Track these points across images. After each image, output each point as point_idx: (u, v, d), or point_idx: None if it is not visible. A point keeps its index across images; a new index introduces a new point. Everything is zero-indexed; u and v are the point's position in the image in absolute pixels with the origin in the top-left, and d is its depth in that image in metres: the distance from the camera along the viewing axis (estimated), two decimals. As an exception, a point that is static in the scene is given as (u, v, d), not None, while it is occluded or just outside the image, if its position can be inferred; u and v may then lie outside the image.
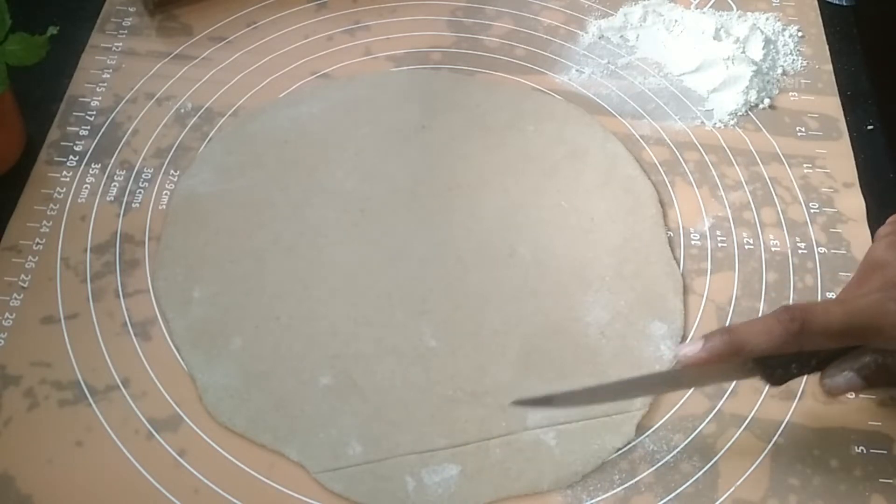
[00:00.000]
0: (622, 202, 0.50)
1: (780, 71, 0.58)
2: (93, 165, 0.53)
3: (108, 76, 0.57)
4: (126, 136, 0.54)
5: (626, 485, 0.41)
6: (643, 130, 0.55)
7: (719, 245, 0.50)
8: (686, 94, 0.57)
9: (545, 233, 0.49)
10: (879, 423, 0.43)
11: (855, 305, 0.35)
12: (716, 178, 0.53)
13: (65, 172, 0.52)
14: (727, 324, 0.46)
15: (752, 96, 0.56)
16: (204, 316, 0.46)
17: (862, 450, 0.42)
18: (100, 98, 0.56)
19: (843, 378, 0.38)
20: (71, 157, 0.53)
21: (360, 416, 0.43)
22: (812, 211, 0.51)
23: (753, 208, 0.51)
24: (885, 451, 0.42)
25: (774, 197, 0.52)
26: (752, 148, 0.54)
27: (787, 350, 0.35)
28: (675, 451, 0.42)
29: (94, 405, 0.43)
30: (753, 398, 0.44)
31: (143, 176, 0.52)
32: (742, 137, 0.54)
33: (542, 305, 0.46)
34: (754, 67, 0.56)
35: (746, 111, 0.56)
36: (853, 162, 0.53)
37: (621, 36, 0.60)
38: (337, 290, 0.47)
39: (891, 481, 0.41)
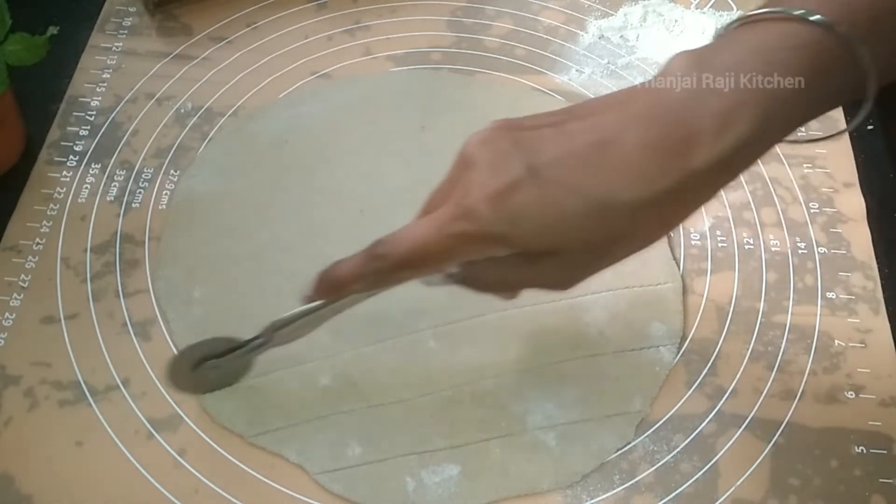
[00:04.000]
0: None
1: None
2: (93, 165, 0.53)
3: (108, 76, 0.57)
4: (126, 136, 0.54)
5: (626, 485, 0.41)
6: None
7: (719, 245, 0.50)
8: (686, 94, 0.57)
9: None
10: (879, 423, 0.43)
11: (417, 234, 0.34)
12: (716, 178, 0.53)
13: (65, 172, 0.52)
14: (727, 323, 0.46)
15: (752, 96, 0.55)
16: (204, 316, 0.46)
17: (862, 450, 0.42)
18: (100, 98, 0.56)
19: (435, 279, 0.37)
20: (71, 157, 0.53)
21: (359, 416, 0.43)
22: (812, 211, 0.51)
23: (753, 208, 0.51)
24: (885, 451, 0.42)
25: (774, 197, 0.52)
26: (752, 148, 0.54)
27: (383, 284, 0.36)
28: (675, 451, 0.42)
29: (94, 405, 0.43)
30: (753, 398, 0.44)
31: (143, 176, 0.52)
32: (742, 137, 0.54)
33: (541, 305, 0.46)
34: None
35: (746, 111, 0.56)
36: (853, 162, 0.53)
37: (621, 36, 0.60)
38: (337, 290, 0.47)
39: (891, 481, 0.41)
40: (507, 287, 0.37)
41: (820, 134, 0.42)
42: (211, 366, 0.41)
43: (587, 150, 0.31)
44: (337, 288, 0.37)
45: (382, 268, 0.35)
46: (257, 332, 0.40)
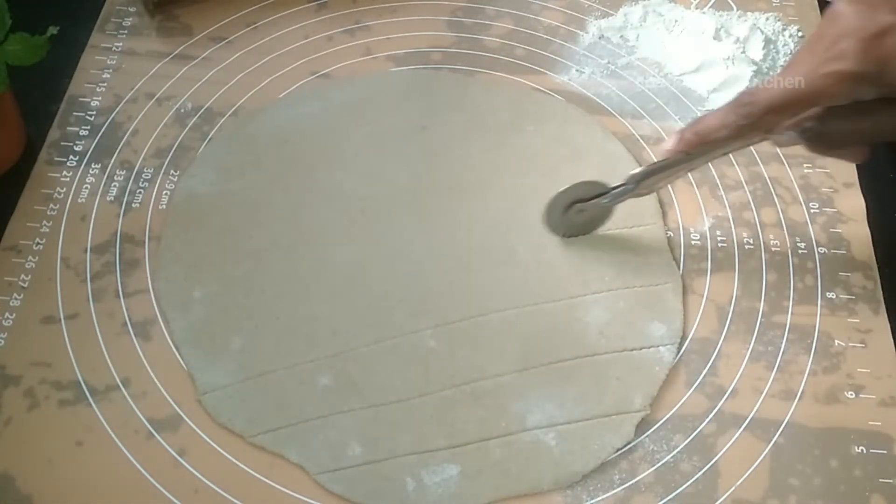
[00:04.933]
0: (622, 202, 0.50)
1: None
2: (93, 165, 0.53)
3: (108, 76, 0.57)
4: (126, 136, 0.54)
5: (626, 485, 0.41)
6: (643, 130, 0.55)
7: (719, 245, 0.50)
8: (686, 94, 0.57)
9: (545, 233, 0.49)
10: (879, 423, 0.43)
11: (790, 78, 0.37)
12: (716, 178, 0.53)
13: (65, 172, 0.52)
14: (727, 323, 0.46)
15: (753, 96, 0.55)
16: (204, 316, 0.46)
17: (862, 450, 0.42)
18: (100, 98, 0.56)
19: (787, 136, 0.40)
20: (71, 157, 0.53)
21: (359, 416, 0.43)
22: (812, 211, 0.51)
23: (753, 208, 0.51)
24: (885, 451, 0.42)
25: (774, 197, 0.52)
26: (752, 148, 0.54)
27: (747, 132, 0.39)
28: (675, 451, 0.42)
29: (94, 405, 0.43)
30: (753, 398, 0.44)
31: (143, 176, 0.52)
32: (742, 137, 0.54)
33: (541, 305, 0.46)
34: (754, 67, 0.56)
35: (746, 111, 0.56)
36: (853, 162, 0.53)
37: (621, 36, 0.60)
38: (337, 290, 0.47)
39: (891, 481, 0.41)
40: (863, 138, 0.39)
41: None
42: (578, 209, 0.46)
43: None
44: (703, 137, 0.40)
45: (751, 112, 0.38)
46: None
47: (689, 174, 0.52)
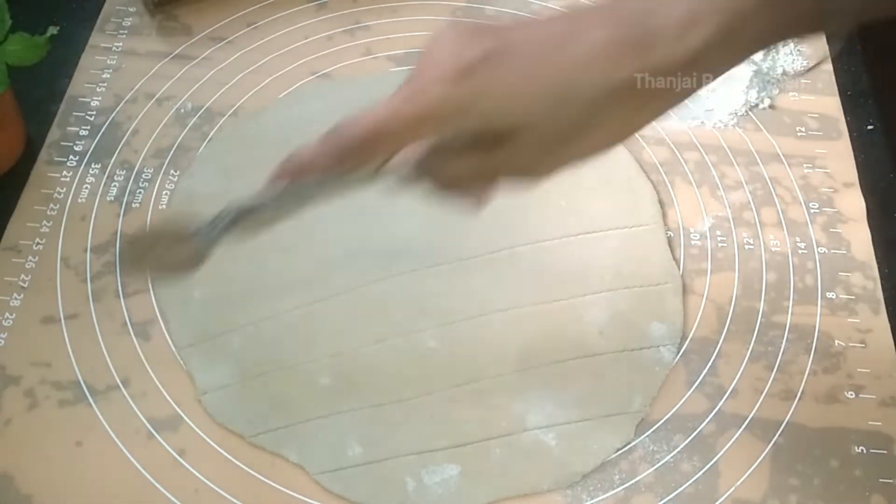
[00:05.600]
0: (622, 202, 0.50)
1: (780, 71, 0.58)
2: (93, 165, 0.53)
3: (108, 76, 0.57)
4: (126, 136, 0.54)
5: (626, 485, 0.41)
6: (643, 131, 0.54)
7: (719, 245, 0.50)
8: (686, 94, 0.57)
9: (545, 233, 0.49)
10: (879, 423, 0.43)
11: (378, 111, 0.34)
12: (716, 178, 0.53)
13: (65, 172, 0.52)
14: (727, 323, 0.46)
15: (752, 96, 0.56)
16: (204, 316, 0.46)
17: (862, 450, 0.42)
18: (100, 98, 0.56)
19: (394, 178, 0.36)
20: (71, 157, 0.53)
21: (359, 416, 0.43)
22: (812, 211, 0.51)
23: (753, 208, 0.51)
24: (885, 451, 0.42)
25: (774, 197, 0.52)
26: (752, 148, 0.54)
27: (345, 163, 0.35)
28: (675, 451, 0.42)
29: (94, 405, 0.43)
30: (753, 398, 0.44)
31: (143, 176, 0.52)
32: (742, 137, 0.54)
33: (541, 305, 0.46)
34: (754, 67, 0.56)
35: (746, 111, 0.56)
36: (853, 162, 0.53)
37: (621, 36, 0.60)
38: (337, 290, 0.47)
39: (891, 481, 0.41)
40: (474, 179, 0.36)
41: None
42: (159, 254, 0.39)
43: (550, 37, 0.31)
44: (296, 169, 0.36)
45: (339, 144, 0.34)
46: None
47: (690, 174, 0.53)
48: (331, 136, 0.35)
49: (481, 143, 0.33)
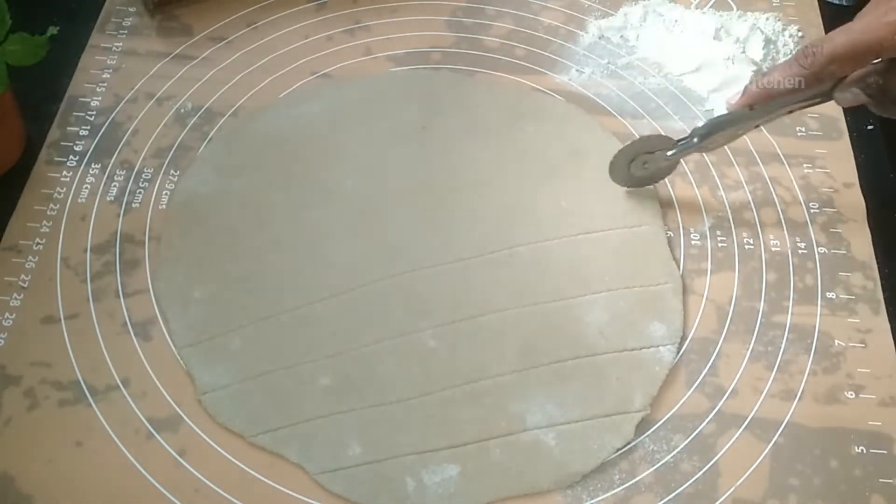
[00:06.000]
0: (622, 202, 0.50)
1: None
2: (93, 165, 0.53)
3: (108, 76, 0.57)
4: (126, 136, 0.54)
5: (626, 485, 0.41)
6: (643, 130, 0.55)
7: (719, 245, 0.50)
8: (686, 94, 0.57)
9: (545, 233, 0.49)
10: (879, 423, 0.43)
11: (854, 28, 0.38)
12: (716, 178, 0.53)
13: (65, 172, 0.52)
14: (727, 323, 0.46)
15: (752, 96, 0.55)
16: (204, 316, 0.46)
17: (862, 450, 0.42)
18: (100, 98, 0.56)
19: (851, 93, 0.41)
20: (71, 157, 0.53)
21: (359, 416, 0.43)
22: (812, 211, 0.51)
23: (753, 208, 0.51)
24: (885, 451, 0.42)
25: (774, 197, 0.52)
26: (752, 148, 0.54)
27: (811, 84, 0.40)
28: (675, 451, 0.42)
29: (94, 405, 0.43)
30: (753, 398, 0.44)
31: (143, 176, 0.52)
32: (742, 137, 0.54)
33: (541, 305, 0.46)
34: (754, 67, 0.56)
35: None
36: (853, 162, 0.53)
37: (621, 36, 0.60)
38: (337, 289, 0.47)
39: (891, 481, 0.41)
40: None
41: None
42: (642, 161, 0.48)
43: None
44: (767, 89, 0.41)
45: (814, 62, 0.39)
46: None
47: (690, 174, 0.53)
48: (806, 57, 0.39)
49: None
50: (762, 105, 0.43)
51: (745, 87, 0.43)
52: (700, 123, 0.55)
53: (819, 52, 0.39)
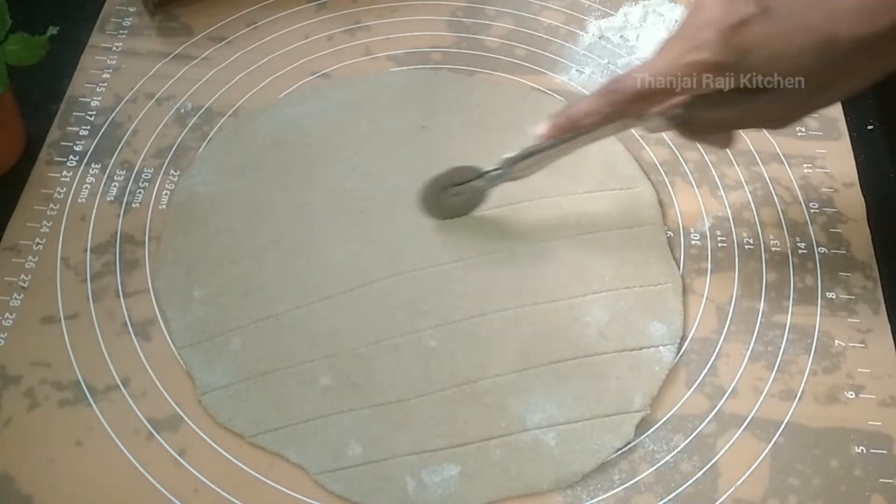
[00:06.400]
0: (622, 202, 0.50)
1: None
2: (93, 165, 0.53)
3: (108, 76, 0.57)
4: (126, 136, 0.54)
5: (626, 485, 0.41)
6: (643, 130, 0.55)
7: (719, 245, 0.50)
8: (686, 94, 0.57)
9: (545, 233, 0.49)
10: (879, 423, 0.43)
11: (656, 67, 0.38)
12: (716, 178, 0.53)
13: (65, 172, 0.52)
14: (727, 323, 0.46)
15: (752, 96, 0.55)
16: (204, 316, 0.46)
17: (862, 450, 0.42)
18: (100, 98, 0.56)
19: (657, 123, 0.42)
20: (71, 157, 0.53)
21: (359, 416, 0.43)
22: (812, 211, 0.51)
23: (753, 208, 0.51)
24: (885, 451, 0.42)
25: (774, 197, 0.52)
26: (752, 148, 0.54)
27: (615, 118, 0.41)
28: (675, 451, 0.42)
29: (94, 405, 0.43)
30: (753, 398, 0.44)
31: (143, 176, 0.52)
32: (742, 137, 0.54)
33: (541, 305, 0.46)
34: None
35: (746, 111, 0.56)
36: (853, 162, 0.53)
37: (621, 36, 0.60)
38: (337, 290, 0.47)
39: (891, 481, 0.41)
40: (726, 125, 0.40)
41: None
42: (453, 192, 0.48)
43: None
44: (573, 122, 0.41)
45: (617, 100, 0.39)
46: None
47: (690, 174, 0.53)
48: (607, 92, 0.40)
49: (742, 94, 0.37)
50: (569, 136, 0.43)
51: (553, 120, 0.42)
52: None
53: (621, 89, 0.39)
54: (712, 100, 0.39)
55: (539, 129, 0.43)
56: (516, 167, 0.45)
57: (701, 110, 0.40)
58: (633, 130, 0.54)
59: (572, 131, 0.42)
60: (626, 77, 0.39)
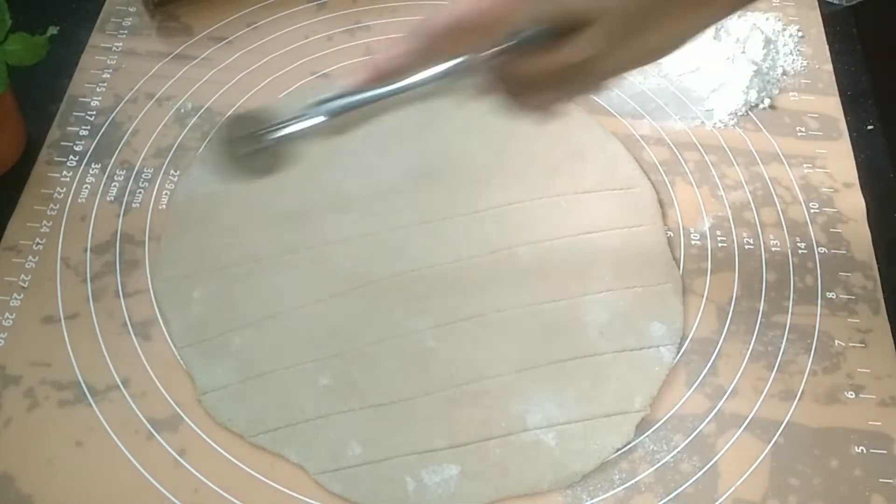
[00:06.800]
0: (622, 202, 0.50)
1: (780, 71, 0.58)
2: (93, 165, 0.53)
3: (108, 76, 0.57)
4: (126, 136, 0.54)
5: (626, 485, 0.41)
6: (643, 130, 0.55)
7: (719, 245, 0.50)
8: (686, 94, 0.57)
9: (545, 233, 0.49)
10: (879, 423, 0.43)
11: (456, 6, 0.36)
12: (716, 178, 0.53)
13: (65, 172, 0.52)
14: (727, 323, 0.46)
15: (752, 96, 0.56)
16: (204, 316, 0.46)
17: (862, 450, 0.42)
18: (100, 98, 0.56)
19: (474, 82, 0.39)
20: (71, 157, 0.53)
21: (359, 416, 0.43)
22: (812, 211, 0.51)
23: (753, 208, 0.51)
24: (885, 451, 0.42)
25: (774, 197, 0.52)
26: (752, 148, 0.54)
27: (430, 58, 0.37)
28: (675, 451, 0.42)
29: (94, 405, 0.43)
30: (753, 398, 0.44)
31: (143, 176, 0.52)
32: (742, 137, 0.54)
33: (541, 305, 0.46)
34: (754, 67, 0.56)
35: (746, 111, 0.56)
36: (853, 162, 0.53)
37: (621, 36, 0.60)
38: (337, 290, 0.47)
39: (891, 481, 0.41)
40: (545, 82, 0.37)
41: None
42: (251, 145, 0.37)
43: None
44: (388, 63, 0.38)
45: (427, 34, 0.36)
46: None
47: (690, 174, 0.53)
48: (419, 30, 0.37)
49: (552, 39, 0.35)
50: (392, 84, 0.38)
51: (368, 63, 0.38)
52: (697, 123, 0.55)
53: (429, 24, 0.37)
54: (525, 51, 0.36)
55: (357, 75, 0.38)
56: (335, 119, 0.38)
57: (515, 64, 0.37)
58: (633, 130, 0.54)
59: (390, 75, 0.38)
60: (436, 13, 0.37)
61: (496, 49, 0.37)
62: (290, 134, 0.38)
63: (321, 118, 0.38)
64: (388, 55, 0.38)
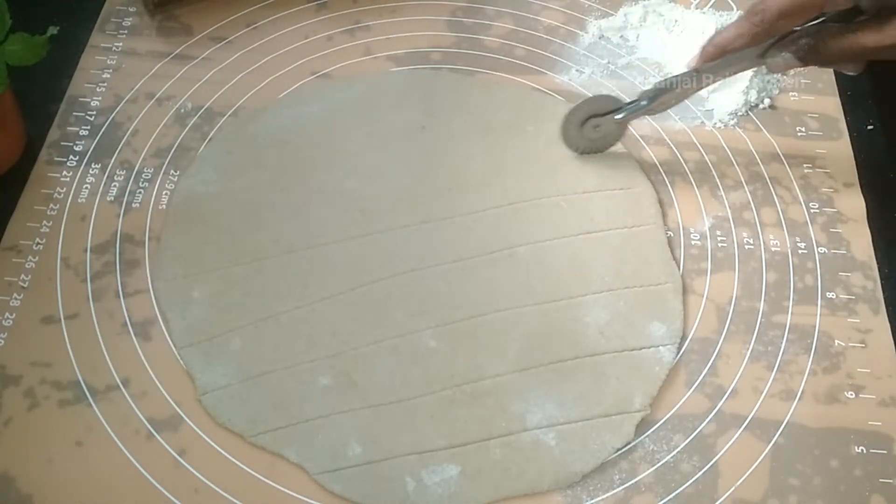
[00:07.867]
0: (622, 202, 0.50)
1: None
2: (93, 165, 0.53)
3: (108, 76, 0.57)
4: (126, 136, 0.54)
5: (626, 485, 0.41)
6: (643, 130, 0.55)
7: (719, 245, 0.50)
8: (686, 94, 0.57)
9: (545, 233, 0.49)
10: (879, 423, 0.43)
11: None
12: (716, 178, 0.53)
13: (65, 172, 0.52)
14: (727, 323, 0.46)
15: (752, 96, 0.56)
16: (204, 316, 0.46)
17: (862, 450, 0.42)
18: (100, 98, 0.56)
19: (782, 58, 0.44)
20: (71, 157, 0.53)
21: (359, 416, 0.43)
22: (812, 211, 0.51)
23: (753, 208, 0.51)
24: (885, 451, 0.42)
25: (774, 197, 0.52)
26: (752, 148, 0.54)
27: (761, 39, 0.44)
28: (675, 451, 0.42)
29: (94, 405, 0.43)
30: (753, 398, 0.44)
31: (143, 176, 0.52)
32: (742, 137, 0.54)
33: (541, 305, 0.46)
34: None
35: (746, 111, 0.56)
36: (853, 162, 0.53)
37: (621, 36, 0.60)
38: (337, 290, 0.47)
39: (891, 481, 0.41)
40: (857, 54, 0.42)
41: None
42: (593, 125, 0.49)
43: None
44: (721, 48, 0.44)
45: (763, 19, 0.42)
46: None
47: (690, 174, 0.53)
48: (752, 14, 0.43)
49: (869, 23, 0.40)
50: (708, 66, 0.46)
51: (702, 48, 0.45)
52: (698, 123, 0.55)
53: (767, 8, 0.42)
54: (841, 28, 0.41)
55: (691, 60, 0.46)
56: (656, 101, 0.47)
57: (831, 38, 0.42)
58: (633, 130, 0.54)
59: (719, 57, 0.45)
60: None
61: (809, 24, 0.43)
62: (624, 117, 0.49)
63: (644, 102, 0.48)
64: (722, 40, 0.44)
